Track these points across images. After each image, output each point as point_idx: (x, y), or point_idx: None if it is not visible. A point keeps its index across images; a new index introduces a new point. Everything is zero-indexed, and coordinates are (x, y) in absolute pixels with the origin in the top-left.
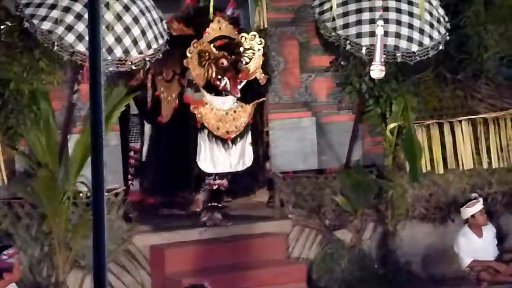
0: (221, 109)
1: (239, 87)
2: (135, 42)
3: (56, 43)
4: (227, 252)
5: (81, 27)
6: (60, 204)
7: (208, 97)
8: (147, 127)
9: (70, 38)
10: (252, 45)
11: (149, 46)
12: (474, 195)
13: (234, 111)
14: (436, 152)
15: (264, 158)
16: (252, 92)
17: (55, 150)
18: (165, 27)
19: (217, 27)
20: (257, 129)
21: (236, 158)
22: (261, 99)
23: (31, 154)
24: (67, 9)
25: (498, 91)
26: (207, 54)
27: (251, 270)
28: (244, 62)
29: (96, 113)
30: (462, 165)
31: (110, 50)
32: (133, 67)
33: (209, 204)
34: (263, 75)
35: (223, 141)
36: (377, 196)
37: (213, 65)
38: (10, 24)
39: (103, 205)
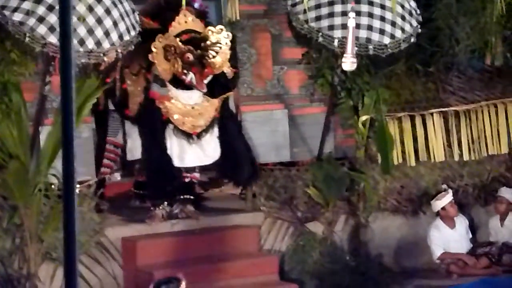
0: (187, 103)
1: (206, 81)
2: (107, 33)
3: (27, 35)
4: (199, 244)
5: (53, 18)
6: (32, 196)
7: (174, 91)
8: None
9: (41, 29)
10: (219, 38)
11: (121, 37)
12: (443, 187)
13: (201, 106)
14: (408, 145)
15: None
16: (219, 86)
17: (27, 142)
18: (137, 18)
19: (183, 21)
20: (236, 121)
21: (204, 152)
22: (228, 93)
23: (3, 146)
24: (38, 1)
25: (469, 84)
26: (172, 48)
27: (223, 262)
28: (210, 56)
29: (67, 105)
30: (434, 158)
31: (82, 42)
32: (105, 59)
33: (182, 197)
34: (230, 68)
35: (189, 135)
36: (349, 188)
37: (179, 59)
38: None
39: (74, 197)
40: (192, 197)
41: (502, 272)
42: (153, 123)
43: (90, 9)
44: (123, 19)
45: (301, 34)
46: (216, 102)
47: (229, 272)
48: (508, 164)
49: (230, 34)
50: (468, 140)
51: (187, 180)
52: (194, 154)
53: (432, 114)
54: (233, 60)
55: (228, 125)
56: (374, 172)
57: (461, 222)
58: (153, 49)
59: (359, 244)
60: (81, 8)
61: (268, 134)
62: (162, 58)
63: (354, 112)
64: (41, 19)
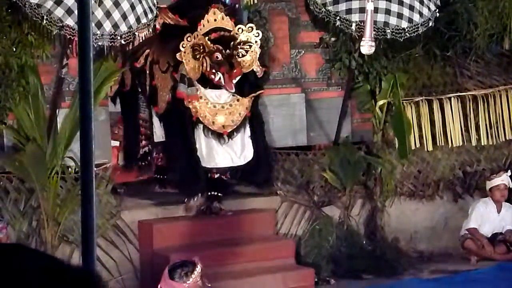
0: (216, 102)
1: (234, 81)
2: (124, 16)
3: (45, 17)
4: (215, 228)
5: (70, 1)
6: (49, 179)
7: (203, 90)
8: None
9: (59, 12)
10: (249, 37)
11: (138, 20)
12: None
13: (230, 105)
14: (425, 129)
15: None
16: (249, 85)
17: (44, 124)
18: (155, 1)
19: (212, 19)
20: (259, 121)
21: (237, 152)
22: (259, 92)
23: (20, 129)
24: None
25: (487, 68)
26: (201, 47)
27: (239, 246)
28: (240, 55)
29: (85, 88)
30: (451, 142)
31: (99, 25)
32: (122, 42)
33: (209, 193)
34: (260, 67)
35: (219, 135)
36: (365, 172)
37: (208, 58)
38: None
39: (92, 179)
40: (220, 194)
41: None
42: (182, 123)
43: None
44: (140, 2)
45: (318, 17)
46: (246, 101)
47: (245, 256)
48: None
49: (260, 33)
50: (486, 125)
51: (216, 176)
52: (225, 154)
53: (449, 98)
54: (263, 58)
55: (256, 126)
56: (391, 156)
57: (508, 212)
58: (181, 48)
59: (375, 229)
60: None
61: (285, 118)
62: (190, 57)
63: (371, 97)
64: (58, 2)
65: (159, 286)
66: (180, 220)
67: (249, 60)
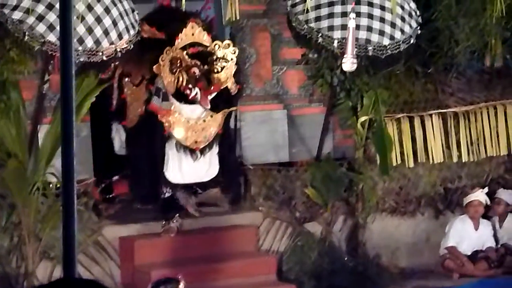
0: (190, 118)
1: (210, 97)
2: (106, 32)
3: (27, 33)
4: (197, 244)
5: (52, 17)
6: (30, 195)
7: (178, 105)
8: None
9: (41, 28)
10: (226, 53)
11: (120, 36)
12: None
13: (204, 121)
14: (407, 146)
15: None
16: (222, 101)
17: (25, 140)
18: (137, 17)
19: (190, 33)
20: (233, 138)
21: (204, 169)
22: (232, 109)
23: (1, 145)
24: None
25: (468, 85)
26: (179, 61)
27: (222, 262)
28: (216, 71)
29: (67, 103)
30: (432, 159)
31: (81, 41)
32: (104, 58)
33: (191, 189)
34: (234, 84)
35: (192, 151)
36: (347, 189)
37: (184, 73)
38: None
39: (73, 195)
40: (200, 190)
41: (502, 274)
42: (153, 137)
43: (90, 7)
44: (122, 18)
45: (300, 34)
46: (219, 118)
47: (227, 272)
48: (507, 166)
49: (237, 50)
50: (467, 142)
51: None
52: (194, 170)
53: (431, 115)
54: (238, 75)
55: (227, 142)
56: (373, 172)
57: (486, 228)
58: (160, 61)
59: (357, 245)
60: (80, 7)
61: (267, 134)
62: (167, 70)
63: (353, 113)
64: (40, 18)
65: None
66: (162, 236)
67: (224, 77)
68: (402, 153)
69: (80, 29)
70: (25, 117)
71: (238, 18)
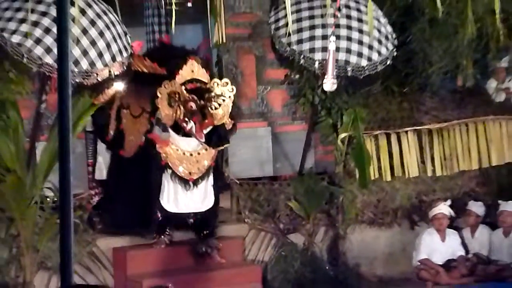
0: (185, 150)
1: (205, 131)
2: (100, 55)
3: (25, 55)
4: (186, 254)
5: (49, 40)
6: (28, 208)
7: (175, 137)
8: (101, 147)
9: (38, 50)
10: (223, 91)
11: (114, 59)
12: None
13: (198, 153)
14: (384, 161)
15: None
16: (217, 136)
17: (23, 157)
18: (129, 41)
19: (189, 70)
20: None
21: (199, 199)
22: (226, 145)
23: (0, 161)
24: (36, 23)
25: (442, 104)
26: (177, 95)
27: (209, 271)
28: (213, 108)
29: (64, 122)
30: (408, 173)
31: (76, 63)
32: (98, 79)
33: (202, 234)
34: (229, 120)
35: (185, 181)
36: (328, 201)
37: (182, 107)
38: None
39: (70, 209)
40: (209, 231)
41: (474, 282)
42: (151, 167)
43: (84, 31)
44: (115, 41)
45: (283, 56)
46: (213, 152)
47: (215, 281)
48: (478, 179)
49: (234, 88)
50: (440, 157)
51: (194, 218)
52: (189, 200)
53: (406, 132)
54: (233, 111)
55: (217, 176)
56: (352, 186)
57: (453, 239)
58: (158, 94)
59: (337, 255)
60: (76, 31)
61: (253, 150)
62: (166, 103)
63: (333, 130)
64: (38, 41)
65: None
66: (153, 248)
67: (221, 113)
68: (379, 168)
69: (76, 51)
70: (23, 135)
71: (225, 41)
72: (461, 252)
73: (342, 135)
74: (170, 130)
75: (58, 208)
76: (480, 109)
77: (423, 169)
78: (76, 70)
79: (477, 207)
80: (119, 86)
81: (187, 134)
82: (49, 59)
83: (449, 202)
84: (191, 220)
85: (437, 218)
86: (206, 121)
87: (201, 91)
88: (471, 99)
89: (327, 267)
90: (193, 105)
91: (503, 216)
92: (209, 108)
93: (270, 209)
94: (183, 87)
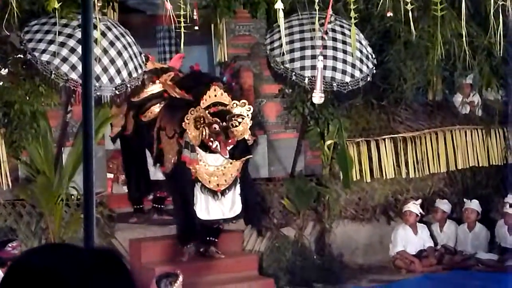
0: (213, 165)
1: (229, 148)
2: (118, 71)
3: (53, 72)
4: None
5: (74, 59)
6: (55, 205)
7: (203, 154)
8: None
9: (65, 68)
10: (242, 111)
11: (130, 75)
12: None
13: (224, 167)
14: (364, 164)
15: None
16: (240, 150)
17: (52, 160)
18: (143, 59)
19: (213, 95)
20: (247, 181)
21: (227, 207)
22: (248, 157)
23: (32, 163)
24: (62, 44)
25: (415, 115)
26: (202, 119)
27: (213, 260)
28: (234, 125)
29: (88, 130)
30: (385, 175)
31: (98, 78)
32: (116, 92)
33: (207, 239)
34: (251, 136)
35: (214, 192)
36: (316, 200)
37: (207, 128)
38: (15, 56)
39: (93, 205)
40: (215, 239)
41: (442, 269)
42: (184, 181)
43: (105, 51)
44: (132, 60)
45: (278, 73)
46: (237, 164)
47: (218, 269)
48: (446, 180)
49: (251, 108)
50: (413, 161)
51: (215, 226)
52: (218, 208)
53: (384, 139)
54: (254, 128)
55: (245, 185)
56: (337, 186)
57: (423, 232)
58: (186, 120)
59: (324, 246)
60: (97, 51)
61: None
62: (192, 126)
63: (320, 137)
64: (64, 59)
65: None
66: (164, 239)
67: (241, 130)
68: (361, 170)
69: (97, 69)
70: (51, 141)
71: (226, 59)
72: (430, 243)
73: (328, 142)
74: (197, 149)
75: (82, 204)
76: (448, 120)
77: (398, 171)
78: (97, 84)
79: (443, 205)
80: (159, 108)
81: (213, 151)
82: (74, 75)
83: (419, 201)
84: (219, 226)
85: (406, 215)
86: (229, 140)
87: (223, 113)
88: (440, 111)
89: (314, 257)
90: (216, 126)
91: (468, 212)
92: (231, 127)
93: (265, 206)
94: (206, 111)
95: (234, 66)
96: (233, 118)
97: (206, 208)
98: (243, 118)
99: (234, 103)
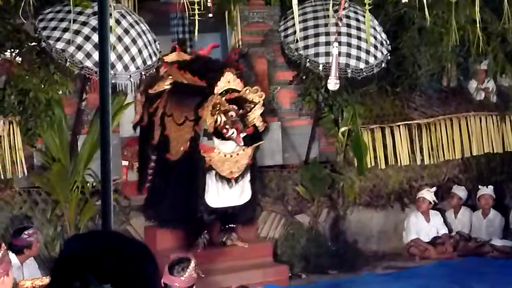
0: (226, 152)
1: (242, 135)
2: (133, 59)
3: (68, 60)
4: (208, 232)
5: (89, 47)
6: (71, 192)
7: (217, 142)
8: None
9: (80, 55)
10: (254, 97)
11: (144, 62)
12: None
13: (237, 154)
14: (379, 151)
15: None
16: (250, 137)
17: (67, 148)
18: (158, 47)
19: (226, 81)
20: (255, 168)
21: (237, 194)
22: (260, 142)
23: (47, 151)
24: (77, 32)
25: (429, 102)
26: (218, 105)
27: (228, 247)
28: (252, 116)
29: (104, 117)
30: (400, 162)
31: (112, 66)
32: (131, 80)
33: (227, 226)
34: (262, 123)
35: (228, 180)
36: (330, 186)
37: (223, 115)
38: (30, 44)
39: (110, 191)
40: (234, 225)
41: (456, 256)
42: (196, 169)
43: (120, 39)
44: (146, 47)
45: (291, 60)
46: (249, 151)
47: (233, 256)
48: (460, 167)
49: (263, 94)
50: (428, 148)
51: (230, 211)
52: (228, 196)
53: (398, 126)
54: (264, 115)
55: (253, 171)
56: (351, 173)
57: (436, 219)
58: (205, 107)
59: (338, 232)
60: (112, 38)
61: (265, 142)
62: (209, 113)
63: (335, 124)
64: (79, 47)
65: (162, 281)
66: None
67: (253, 116)
68: (375, 157)
69: (112, 56)
70: (66, 129)
71: (240, 46)
72: (445, 230)
73: (343, 129)
74: (213, 137)
75: (97, 192)
76: (463, 106)
77: (413, 158)
78: (112, 72)
79: (460, 191)
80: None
81: (226, 138)
82: (89, 63)
83: (434, 189)
84: (229, 212)
85: (419, 201)
86: (247, 128)
87: (239, 100)
88: (454, 98)
89: (329, 243)
90: (233, 114)
91: (483, 199)
92: (248, 117)
93: (279, 193)
94: (223, 98)
95: (236, 50)
96: (245, 104)
97: (217, 196)
98: (255, 105)
99: (247, 89)
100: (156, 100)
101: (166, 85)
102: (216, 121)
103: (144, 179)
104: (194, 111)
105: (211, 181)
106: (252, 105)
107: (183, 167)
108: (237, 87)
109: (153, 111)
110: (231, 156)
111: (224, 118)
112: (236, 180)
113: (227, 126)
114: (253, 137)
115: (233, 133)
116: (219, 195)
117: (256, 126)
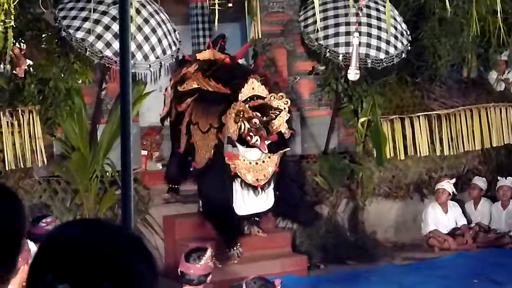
0: (251, 160)
1: (267, 143)
2: (153, 49)
3: (88, 49)
4: None
5: (109, 36)
6: (90, 181)
7: (241, 149)
8: None
9: (99, 45)
10: (279, 104)
11: (164, 52)
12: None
13: (263, 161)
14: (398, 142)
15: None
16: (276, 144)
17: (86, 137)
18: (177, 36)
19: (250, 87)
20: (286, 174)
21: (263, 201)
22: (285, 149)
23: (67, 140)
24: (97, 21)
25: (449, 92)
26: (242, 113)
27: (247, 237)
28: (276, 124)
29: (125, 106)
30: (419, 153)
31: (132, 55)
32: (151, 69)
33: (252, 218)
34: (287, 130)
35: (254, 188)
36: (349, 177)
37: (246, 122)
38: (50, 33)
39: (131, 181)
40: (258, 218)
41: (476, 247)
42: (222, 177)
43: (139, 28)
44: (166, 37)
45: (311, 50)
46: (275, 158)
47: (252, 245)
48: (480, 158)
49: (289, 101)
50: (447, 139)
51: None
52: (254, 203)
53: (418, 117)
54: (290, 122)
55: (285, 176)
56: (370, 164)
57: (454, 210)
58: (228, 114)
59: (357, 223)
60: (132, 28)
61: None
62: (232, 121)
63: (354, 115)
64: (99, 37)
65: (179, 269)
66: (197, 215)
67: (278, 123)
68: (394, 148)
69: (132, 46)
70: (86, 118)
71: (260, 37)
72: (463, 221)
73: (362, 119)
74: (238, 144)
75: (115, 181)
76: (483, 97)
77: (432, 149)
78: (132, 61)
79: (480, 182)
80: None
81: (251, 145)
82: (108, 52)
83: (453, 180)
84: (256, 218)
85: (438, 192)
86: (271, 136)
87: (263, 107)
88: (474, 88)
89: (348, 234)
90: (257, 121)
91: (502, 190)
92: (272, 124)
93: (298, 183)
94: (247, 105)
95: (262, 57)
96: (270, 111)
97: (243, 204)
98: (280, 111)
99: (272, 95)
100: (184, 98)
101: (194, 84)
102: (240, 129)
103: (174, 170)
104: (218, 119)
105: (237, 189)
106: (277, 112)
107: (207, 175)
108: (261, 93)
109: (179, 115)
110: (257, 163)
111: (247, 125)
112: (263, 188)
113: (251, 134)
114: (279, 144)
115: (257, 140)
116: (245, 203)
117: (281, 133)
